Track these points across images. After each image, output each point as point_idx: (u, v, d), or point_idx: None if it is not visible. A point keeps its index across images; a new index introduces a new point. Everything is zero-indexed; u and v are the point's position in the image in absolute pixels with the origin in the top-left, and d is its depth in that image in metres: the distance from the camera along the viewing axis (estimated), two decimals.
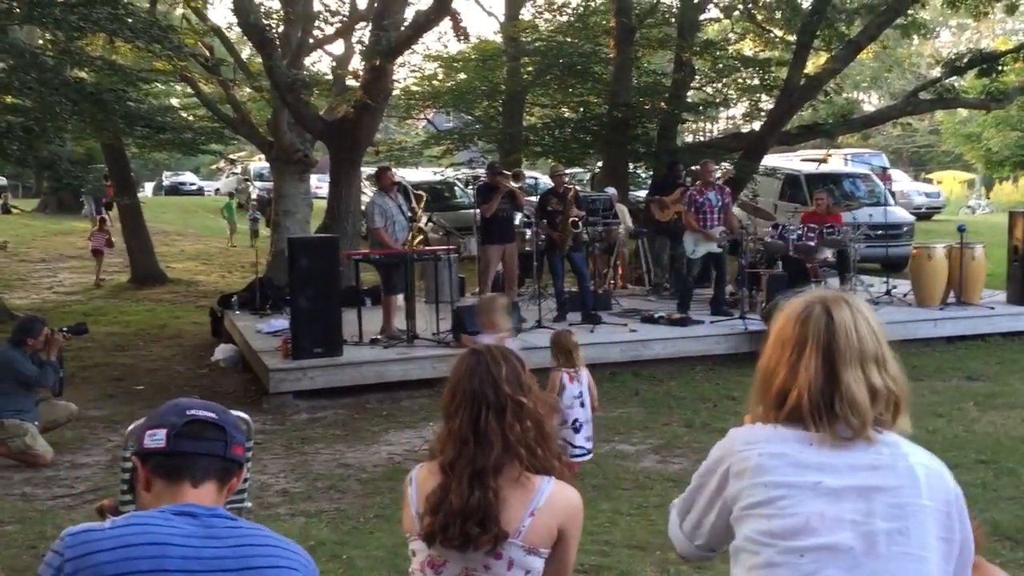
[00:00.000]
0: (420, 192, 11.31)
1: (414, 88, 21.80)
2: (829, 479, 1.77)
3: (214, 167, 43.99)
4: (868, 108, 38.96)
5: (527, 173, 20.49)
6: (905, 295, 11.80)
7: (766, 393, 1.92)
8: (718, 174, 13.25)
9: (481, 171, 14.77)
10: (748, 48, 19.74)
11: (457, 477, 2.29)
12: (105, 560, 1.68)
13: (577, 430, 6.02)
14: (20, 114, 12.70)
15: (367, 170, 18.18)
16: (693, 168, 12.48)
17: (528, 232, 12.05)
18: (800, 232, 11.50)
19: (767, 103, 18.05)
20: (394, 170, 11.36)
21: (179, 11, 19.02)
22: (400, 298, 10.24)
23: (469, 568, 2.29)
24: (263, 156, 18.54)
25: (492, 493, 2.26)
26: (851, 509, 1.75)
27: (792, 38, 16.44)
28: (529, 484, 2.31)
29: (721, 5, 18.19)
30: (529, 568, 2.29)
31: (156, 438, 1.86)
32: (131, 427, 2.05)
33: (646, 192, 14.86)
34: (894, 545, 1.73)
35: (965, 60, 15.47)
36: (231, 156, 30.00)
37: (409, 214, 10.17)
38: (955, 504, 1.80)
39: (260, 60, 13.97)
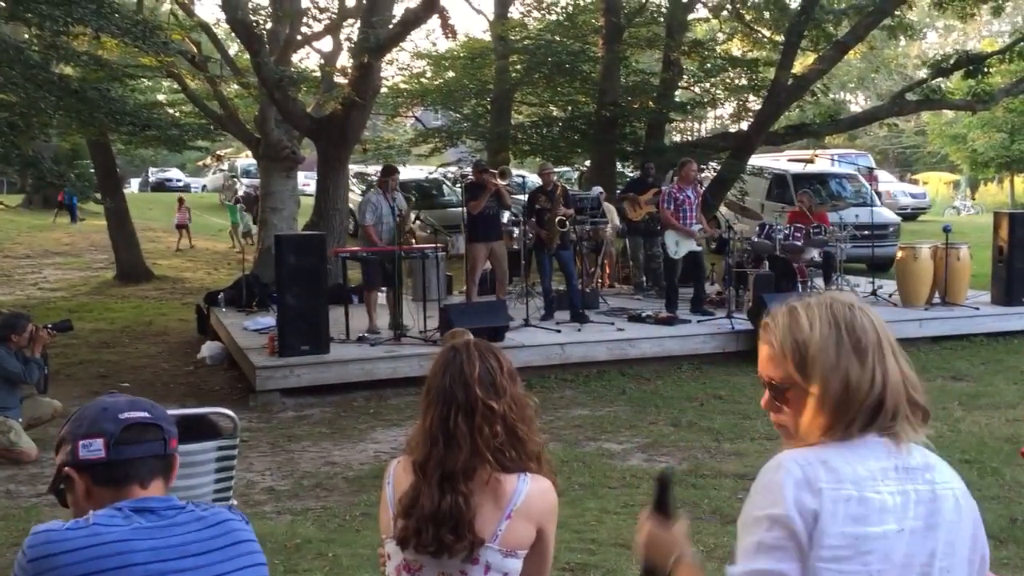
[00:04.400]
0: (408, 195, 11.31)
1: (402, 86, 21.77)
2: (906, 524, 1.67)
3: (200, 164, 43.82)
4: (855, 109, 39.14)
5: (515, 172, 20.48)
6: (891, 295, 11.85)
7: (852, 407, 1.68)
8: (704, 174, 13.30)
9: (468, 169, 14.77)
10: (736, 48, 19.80)
11: (427, 480, 2.27)
12: (69, 562, 1.66)
13: None
14: (4, 110, 12.61)
15: (355, 168, 18.13)
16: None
17: (516, 230, 12.06)
18: (787, 232, 11.54)
19: (755, 103, 18.12)
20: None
21: (166, 6, 18.97)
22: (382, 296, 10.25)
23: (445, 573, 2.26)
24: (250, 153, 18.47)
25: (463, 498, 2.22)
26: (920, 552, 1.68)
27: (780, 38, 16.51)
28: (501, 487, 2.26)
29: (709, 5, 18.27)
30: (507, 571, 2.26)
31: (93, 448, 1.79)
32: (65, 430, 1.91)
33: (619, 191, 14.88)
34: None
35: (951, 61, 15.57)
36: (218, 153, 29.79)
37: (399, 217, 10.18)
38: (979, 524, 1.77)
39: (248, 56, 13.91)
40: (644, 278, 13.17)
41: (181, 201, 23.50)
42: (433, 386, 2.35)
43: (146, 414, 1.86)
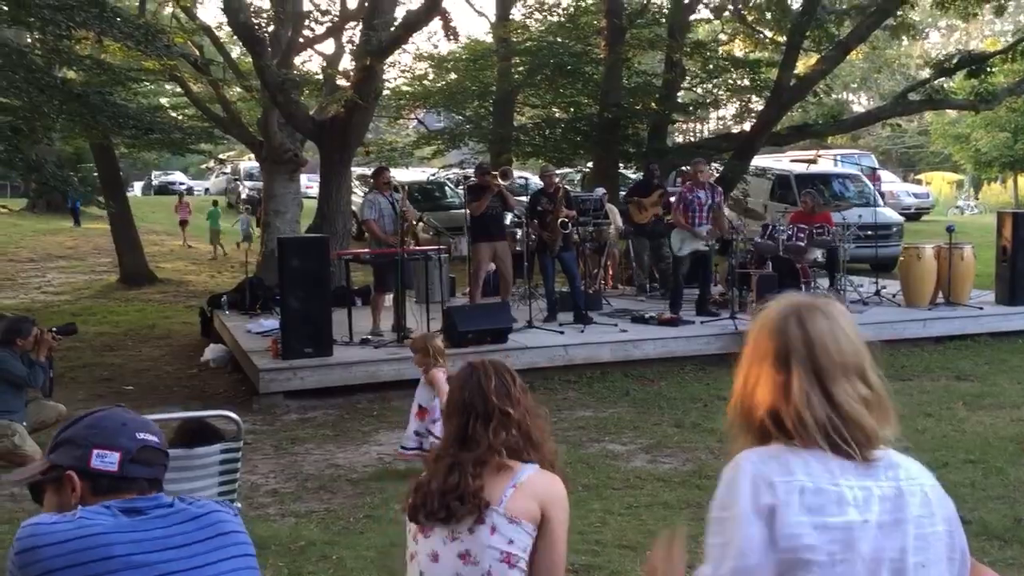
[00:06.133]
0: (398, 183, 11.26)
1: (404, 88, 21.79)
2: (870, 515, 1.68)
3: (204, 167, 43.89)
4: (858, 109, 39.13)
5: (517, 173, 20.49)
6: (894, 295, 11.84)
7: (751, 420, 1.76)
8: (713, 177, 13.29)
9: (470, 171, 14.79)
10: (738, 49, 19.80)
11: (439, 466, 2.51)
12: (53, 554, 1.68)
13: None
14: (8, 114, 12.64)
15: (357, 170, 18.11)
16: (684, 168, 12.48)
17: (519, 232, 12.05)
18: (790, 232, 11.53)
19: (757, 104, 18.12)
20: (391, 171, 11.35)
21: (168, 10, 19.00)
22: (388, 297, 10.25)
23: (455, 532, 2.43)
24: (253, 156, 18.49)
25: (471, 477, 2.43)
26: (889, 547, 1.69)
27: (782, 39, 16.49)
28: (508, 469, 2.47)
29: (711, 5, 18.24)
30: (512, 538, 2.40)
31: (108, 460, 1.82)
32: (62, 433, 1.90)
33: (623, 194, 14.89)
34: None
35: (954, 61, 15.54)
36: (221, 156, 29.86)
37: (401, 210, 10.15)
38: (954, 521, 1.77)
39: (250, 59, 13.93)
40: (647, 281, 13.16)
41: (181, 197, 25.14)
42: (453, 400, 2.59)
43: (156, 439, 1.92)
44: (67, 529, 1.71)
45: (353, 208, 16.33)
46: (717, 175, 16.20)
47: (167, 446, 1.97)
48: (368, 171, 23.47)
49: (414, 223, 10.87)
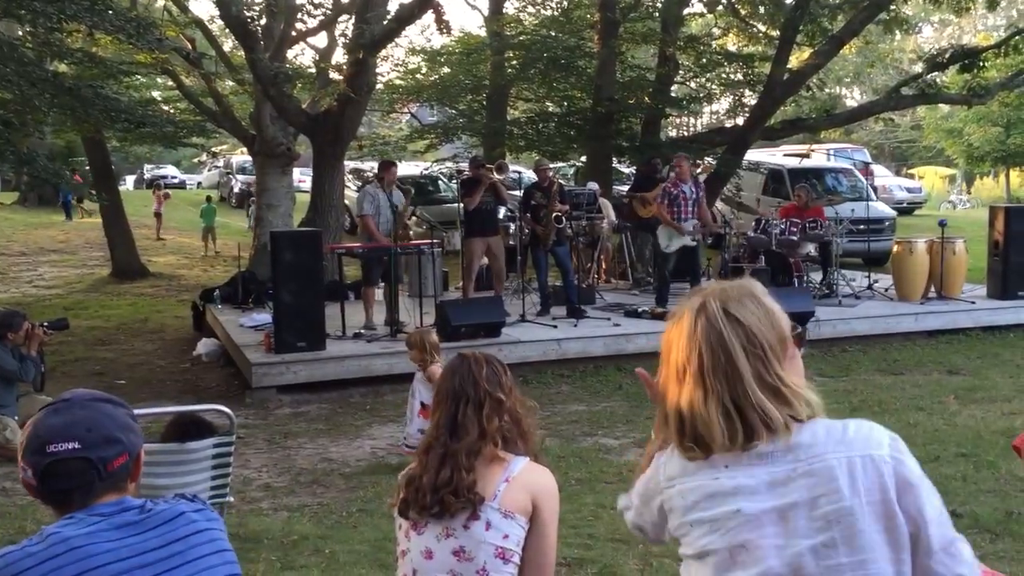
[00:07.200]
0: (407, 187, 11.29)
1: (397, 82, 21.74)
2: (746, 504, 1.67)
3: (196, 161, 43.78)
4: (851, 103, 39.16)
5: (511, 167, 20.46)
6: (887, 289, 11.87)
7: (665, 416, 1.81)
8: (699, 170, 13.28)
9: (464, 165, 14.79)
10: (732, 43, 19.79)
11: (429, 458, 2.47)
12: None
13: None
14: None
15: (350, 164, 18.06)
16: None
17: (512, 226, 12.04)
18: (783, 227, 11.54)
19: (750, 98, 18.09)
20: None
21: (160, 2, 18.92)
22: (379, 292, 10.24)
23: (449, 529, 2.41)
24: (245, 150, 18.44)
25: (464, 470, 2.40)
26: (772, 533, 1.65)
27: (775, 33, 16.48)
28: (501, 460, 2.46)
29: (705, 0, 18.23)
30: (507, 532, 2.39)
31: (27, 475, 1.77)
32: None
33: (627, 188, 14.89)
34: (824, 560, 1.63)
35: (947, 56, 15.55)
36: (213, 149, 29.82)
37: (396, 212, 10.12)
38: (891, 487, 1.64)
39: (242, 53, 13.89)
40: (649, 274, 13.14)
41: (156, 189, 25.60)
42: (442, 389, 2.56)
43: (75, 445, 1.73)
44: (40, 550, 1.67)
45: (346, 202, 16.30)
46: (712, 169, 16.22)
47: (111, 439, 1.78)
48: (362, 165, 23.51)
49: (408, 219, 10.87)
